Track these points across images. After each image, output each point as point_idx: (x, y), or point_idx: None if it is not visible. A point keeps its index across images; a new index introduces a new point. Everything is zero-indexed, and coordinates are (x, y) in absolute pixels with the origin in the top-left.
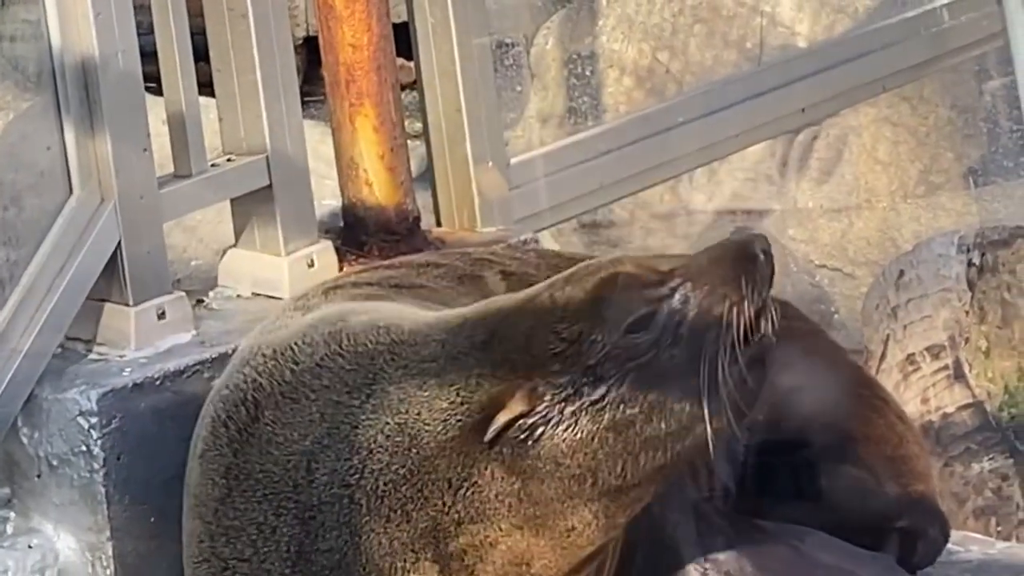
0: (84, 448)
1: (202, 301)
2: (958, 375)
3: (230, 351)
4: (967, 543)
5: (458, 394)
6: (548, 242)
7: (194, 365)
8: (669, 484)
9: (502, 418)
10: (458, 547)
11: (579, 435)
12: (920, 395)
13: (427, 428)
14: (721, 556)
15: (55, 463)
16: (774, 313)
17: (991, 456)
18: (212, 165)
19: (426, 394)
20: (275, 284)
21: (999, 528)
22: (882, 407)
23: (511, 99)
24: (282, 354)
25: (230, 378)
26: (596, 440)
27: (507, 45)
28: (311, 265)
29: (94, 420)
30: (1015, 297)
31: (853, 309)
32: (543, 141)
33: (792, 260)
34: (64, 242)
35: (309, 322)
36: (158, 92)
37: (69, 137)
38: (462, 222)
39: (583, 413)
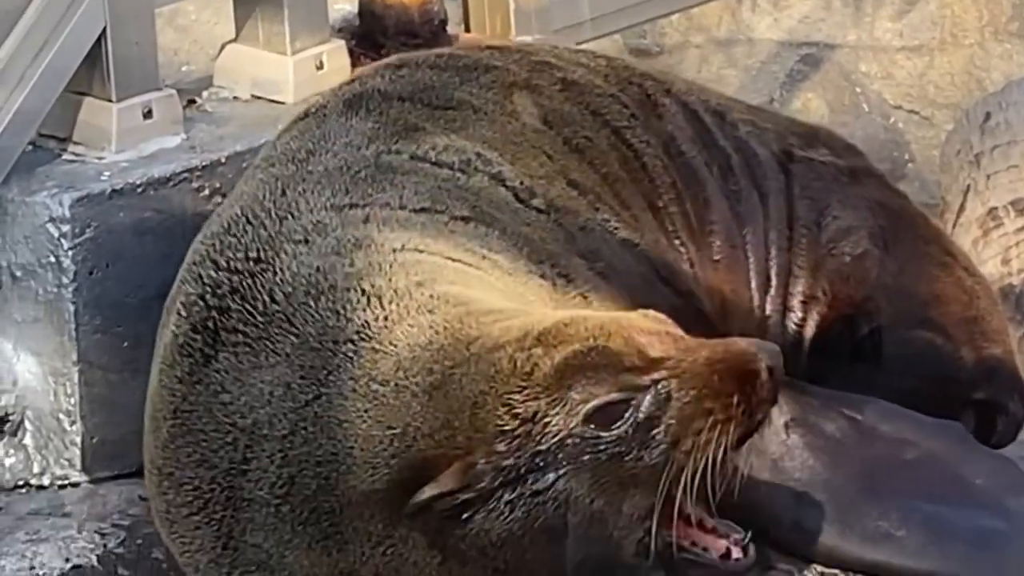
0: (53, 259)
1: (194, 102)
2: None
3: (223, 159)
4: None
5: (392, 442)
6: None
7: (181, 172)
8: None
9: (428, 492)
10: None
11: (511, 529)
12: (1001, 254)
13: (357, 469)
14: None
15: (19, 274)
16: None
17: None
18: None
19: (364, 427)
20: (278, 86)
21: None
22: (950, 263)
23: None
24: (263, 272)
25: (203, 259)
26: (528, 539)
27: None
28: (320, 67)
29: (66, 228)
30: None
31: (930, 157)
32: None
33: (864, 100)
34: (41, 25)
35: (312, 225)
36: None
37: None
38: (494, 29)
39: (520, 505)
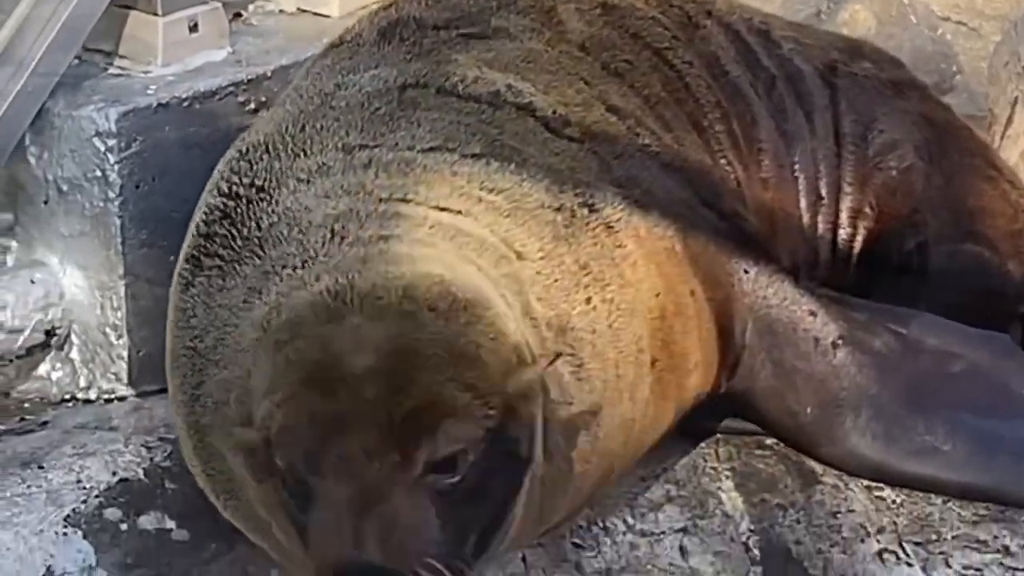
0: (99, 173)
1: (240, 15)
2: None
3: (268, 73)
4: None
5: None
6: None
7: (227, 86)
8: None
9: (239, 434)
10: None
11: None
12: None
13: (235, 403)
14: (819, 347)
15: (65, 188)
16: None
17: None
18: None
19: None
20: (324, 0)
21: None
22: (996, 177)
23: None
24: (259, 202)
25: (214, 185)
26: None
27: None
28: None
29: (112, 142)
30: None
31: (978, 68)
32: None
33: (911, 12)
34: None
35: (318, 166)
36: None
37: None
38: None
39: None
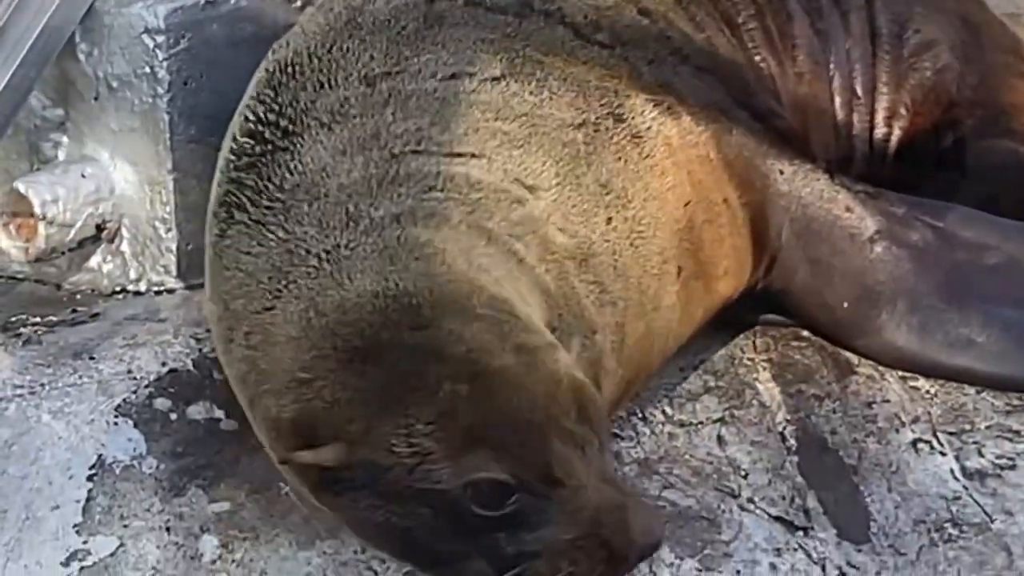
0: (148, 70)
1: None
2: None
3: None
4: None
5: (300, 386)
6: None
7: None
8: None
9: (304, 456)
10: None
11: (366, 516)
12: None
13: (267, 394)
14: (855, 241)
15: (115, 85)
16: None
17: None
18: None
19: (286, 358)
20: None
21: None
22: None
23: None
24: (284, 150)
25: (251, 103)
26: (377, 537)
27: None
28: None
29: (160, 39)
30: None
31: None
32: None
33: None
34: None
35: (340, 104)
36: None
37: None
38: None
39: (379, 508)
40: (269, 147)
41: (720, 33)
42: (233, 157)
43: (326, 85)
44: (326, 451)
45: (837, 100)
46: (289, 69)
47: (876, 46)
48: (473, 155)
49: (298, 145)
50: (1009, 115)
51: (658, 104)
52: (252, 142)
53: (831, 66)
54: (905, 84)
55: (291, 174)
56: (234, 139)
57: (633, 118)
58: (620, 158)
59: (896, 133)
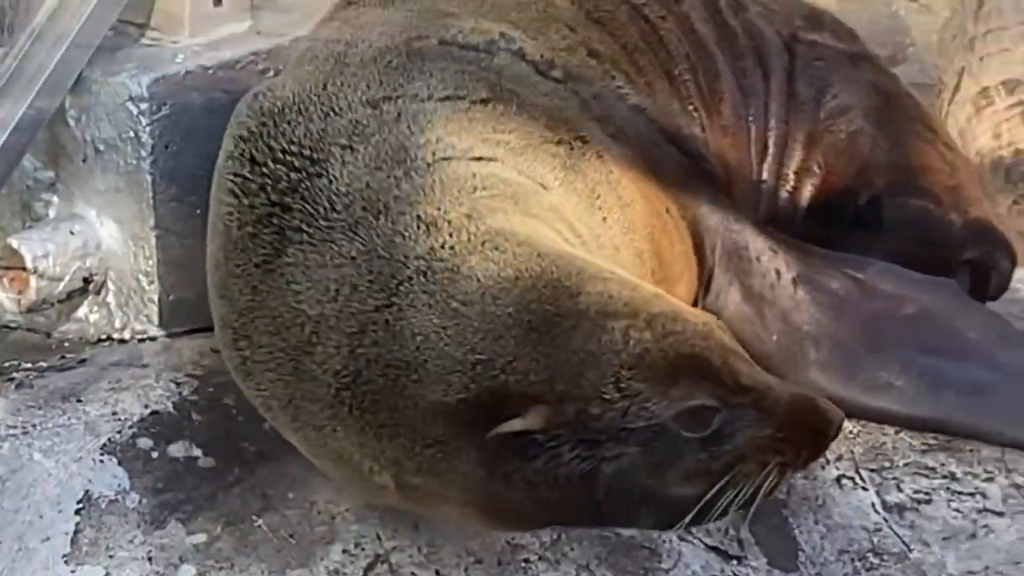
0: (132, 134)
1: None
2: None
3: (286, 43)
4: None
5: (476, 367)
6: None
7: (248, 56)
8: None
9: (516, 425)
10: (413, 492)
11: (565, 476)
12: (992, 129)
13: (428, 380)
14: (777, 291)
15: (102, 148)
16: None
17: None
18: None
19: (442, 344)
20: None
21: None
22: (934, 139)
23: None
24: (318, 176)
25: (256, 138)
26: (577, 489)
27: None
28: None
29: (144, 106)
30: None
31: (929, 41)
32: None
33: None
34: None
35: (353, 126)
36: None
37: None
38: None
39: (585, 462)
40: (303, 174)
41: (659, 80)
42: (266, 186)
43: (332, 113)
44: (532, 417)
45: (754, 153)
46: (289, 108)
47: (793, 107)
48: (492, 159)
49: (329, 169)
50: (918, 175)
51: (606, 129)
52: (284, 169)
53: (750, 120)
54: (819, 144)
55: (337, 196)
56: (250, 164)
57: (592, 140)
58: (596, 171)
59: (809, 189)
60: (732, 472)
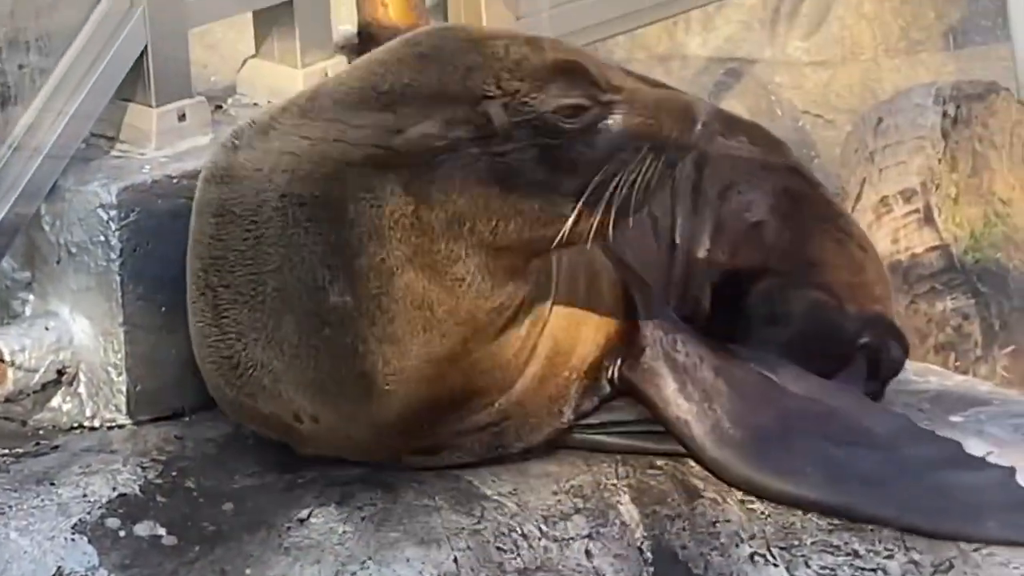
0: (103, 238)
1: (220, 107)
2: (928, 219)
3: None
4: (927, 374)
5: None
6: None
7: None
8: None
9: (414, 132)
10: (363, 266)
11: (470, 177)
12: (891, 235)
13: (343, 145)
14: (700, 374)
15: (74, 251)
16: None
17: (954, 296)
18: None
19: (352, 115)
20: (290, 93)
21: (957, 363)
22: (845, 240)
23: None
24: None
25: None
26: (481, 188)
27: None
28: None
29: (113, 213)
30: (985, 148)
31: (832, 154)
32: None
33: (778, 106)
34: (94, 44)
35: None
36: None
37: None
38: None
39: (482, 160)
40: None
41: None
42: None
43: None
44: (428, 124)
45: (664, 246)
46: (251, 135)
47: (700, 203)
48: None
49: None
50: (817, 269)
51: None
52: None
53: (656, 216)
54: (725, 231)
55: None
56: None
57: None
58: None
59: (714, 278)
60: (608, 161)
